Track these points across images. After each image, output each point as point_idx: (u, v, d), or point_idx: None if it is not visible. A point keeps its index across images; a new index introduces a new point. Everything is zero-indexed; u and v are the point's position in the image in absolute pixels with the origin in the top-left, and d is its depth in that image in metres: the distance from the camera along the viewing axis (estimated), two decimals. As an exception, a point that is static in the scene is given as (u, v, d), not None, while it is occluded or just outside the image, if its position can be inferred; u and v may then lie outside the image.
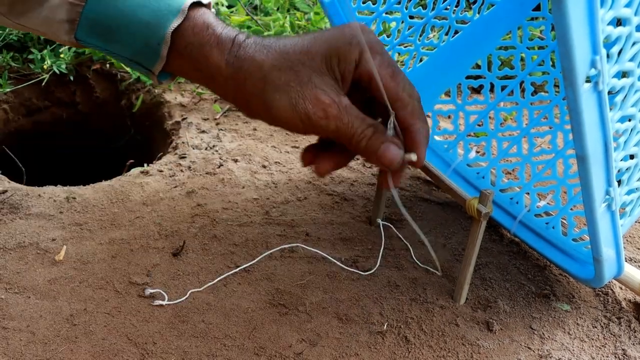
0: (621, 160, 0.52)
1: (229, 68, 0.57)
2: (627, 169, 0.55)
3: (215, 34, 0.58)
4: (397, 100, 0.56)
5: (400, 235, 0.74)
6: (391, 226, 0.76)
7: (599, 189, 0.49)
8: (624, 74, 0.46)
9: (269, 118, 0.58)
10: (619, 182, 0.54)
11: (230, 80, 0.58)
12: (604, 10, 0.40)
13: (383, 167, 0.56)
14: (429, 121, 0.89)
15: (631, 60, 0.45)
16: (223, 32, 0.58)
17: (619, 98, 0.47)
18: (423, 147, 0.56)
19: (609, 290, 0.69)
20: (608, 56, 0.42)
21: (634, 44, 0.44)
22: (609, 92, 0.44)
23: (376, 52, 0.56)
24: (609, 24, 0.41)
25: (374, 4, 0.76)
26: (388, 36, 0.80)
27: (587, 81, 0.41)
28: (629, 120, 0.50)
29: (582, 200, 0.50)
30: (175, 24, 0.57)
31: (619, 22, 0.43)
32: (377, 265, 0.70)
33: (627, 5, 0.42)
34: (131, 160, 0.92)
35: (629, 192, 0.58)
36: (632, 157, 0.56)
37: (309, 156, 0.61)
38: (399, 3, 0.76)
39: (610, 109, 0.45)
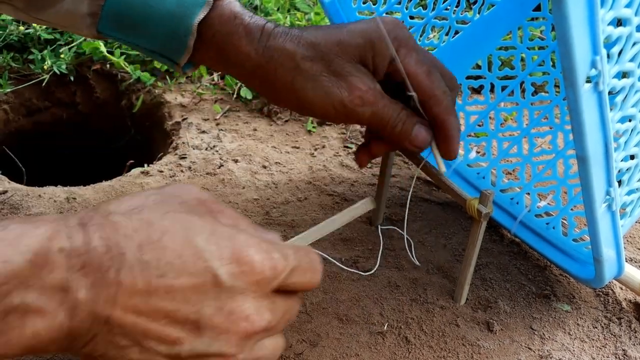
0: (621, 160, 0.52)
1: (259, 57, 0.57)
2: (627, 170, 0.55)
3: (244, 23, 0.57)
4: (432, 97, 0.57)
5: (401, 235, 0.74)
6: (391, 226, 0.76)
7: (599, 190, 0.49)
8: (624, 75, 0.46)
9: (299, 106, 0.58)
10: (620, 182, 0.54)
11: (259, 69, 0.58)
12: (605, 11, 0.40)
13: (413, 149, 0.58)
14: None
15: (631, 60, 0.45)
16: (251, 21, 0.58)
17: (619, 98, 0.47)
18: (456, 141, 0.58)
19: (610, 291, 0.69)
20: (608, 56, 0.42)
21: (634, 44, 0.44)
22: (609, 93, 0.44)
23: (411, 48, 0.56)
24: (609, 24, 0.41)
25: (374, 4, 0.76)
26: (388, 36, 0.80)
27: (588, 81, 0.41)
28: (629, 120, 0.50)
29: (583, 201, 0.50)
30: (201, 15, 0.57)
31: (619, 22, 0.43)
32: (377, 266, 0.70)
33: (628, 6, 0.42)
34: (131, 161, 0.92)
35: (629, 193, 0.58)
36: (632, 157, 0.56)
37: (365, 158, 0.63)
38: (399, 3, 0.76)
39: (611, 110, 0.45)
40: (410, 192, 0.77)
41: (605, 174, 0.49)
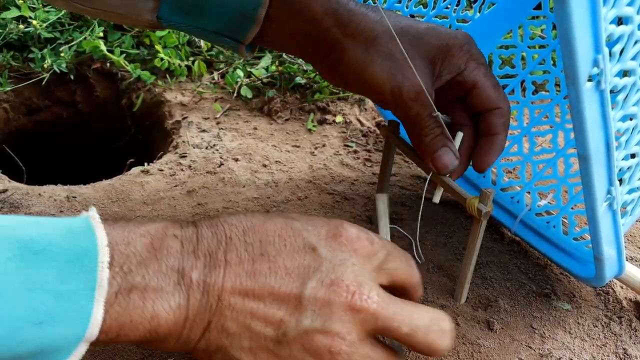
0: (622, 159, 0.52)
1: (339, 18, 0.57)
2: (628, 168, 0.55)
3: None
4: (497, 108, 0.58)
5: (401, 234, 0.74)
6: (392, 225, 0.76)
7: (600, 188, 0.49)
8: (625, 73, 0.46)
9: (356, 80, 0.58)
10: (620, 181, 0.54)
11: (330, 32, 0.57)
12: (607, 9, 0.40)
13: (432, 168, 0.59)
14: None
15: (633, 59, 0.45)
16: None
17: (620, 97, 0.47)
18: (496, 157, 0.60)
19: (610, 290, 0.69)
20: (610, 55, 0.42)
21: (636, 42, 0.44)
22: (611, 91, 0.44)
23: (481, 63, 0.58)
24: (611, 22, 0.41)
25: (374, 3, 0.76)
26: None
27: (589, 80, 0.41)
28: (631, 119, 0.50)
29: (583, 200, 0.50)
30: None
31: (621, 20, 0.43)
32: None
33: (630, 4, 0.42)
34: (131, 160, 0.92)
35: (630, 191, 0.58)
36: (633, 156, 0.55)
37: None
38: (400, 2, 0.76)
39: (612, 108, 0.45)
40: (423, 193, 0.77)
41: (606, 172, 0.49)
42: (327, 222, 0.45)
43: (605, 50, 0.41)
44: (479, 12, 0.78)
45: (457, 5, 0.77)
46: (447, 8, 0.76)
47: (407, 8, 0.76)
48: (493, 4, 0.77)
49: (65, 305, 0.36)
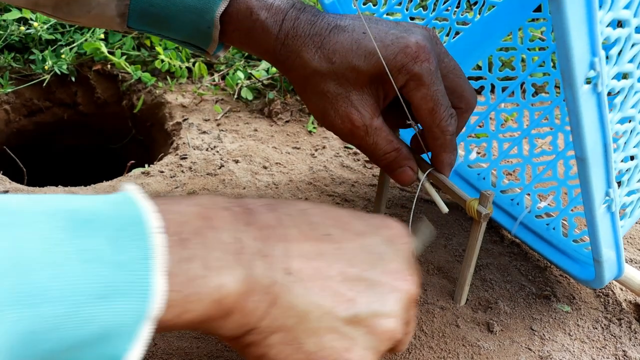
0: (621, 161, 0.52)
1: (277, 55, 0.59)
2: (627, 170, 0.55)
3: (260, 19, 0.58)
4: (430, 132, 0.59)
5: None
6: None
7: (598, 191, 0.49)
8: (623, 76, 0.46)
9: (307, 105, 0.61)
10: (619, 183, 0.54)
11: (278, 64, 0.60)
12: (603, 12, 0.40)
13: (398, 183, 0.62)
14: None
15: (631, 61, 0.45)
16: (268, 17, 0.58)
17: (618, 99, 0.47)
18: (447, 172, 0.61)
19: (610, 292, 0.69)
20: (607, 58, 0.42)
21: (633, 45, 0.44)
22: (609, 94, 0.44)
23: (423, 84, 0.56)
24: (608, 25, 0.41)
25: (374, 5, 0.76)
26: (389, 37, 0.80)
27: (587, 82, 0.42)
28: (629, 121, 0.50)
29: (582, 202, 0.50)
30: (221, 8, 0.58)
31: (618, 23, 0.43)
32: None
33: (627, 7, 0.42)
34: (132, 161, 0.92)
35: (629, 194, 0.58)
36: (632, 158, 0.56)
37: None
38: (400, 4, 0.76)
39: (610, 111, 0.45)
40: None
41: (604, 175, 0.49)
42: (373, 215, 0.48)
43: (602, 53, 0.41)
44: (479, 14, 0.78)
45: (457, 8, 0.77)
46: (447, 10, 0.77)
47: (406, 10, 0.76)
48: (493, 6, 0.77)
49: (125, 276, 0.33)
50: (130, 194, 0.37)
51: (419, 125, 0.60)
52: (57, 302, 0.31)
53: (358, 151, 0.91)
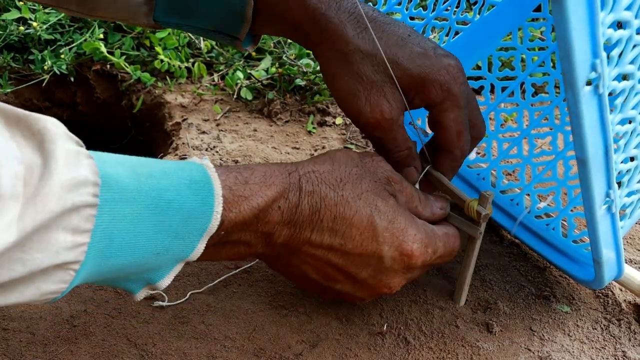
0: (621, 162, 0.52)
1: (314, 24, 0.57)
2: (627, 171, 0.55)
3: None
4: (449, 152, 0.61)
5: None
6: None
7: (599, 191, 0.49)
8: (624, 77, 0.46)
9: (329, 86, 0.61)
10: (619, 184, 0.54)
11: (309, 37, 0.59)
12: (605, 13, 0.40)
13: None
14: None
15: (632, 63, 0.45)
16: None
17: (619, 100, 0.47)
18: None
19: (609, 292, 0.69)
20: (608, 59, 0.42)
21: (634, 46, 0.44)
22: (609, 95, 0.44)
23: (458, 106, 0.58)
24: (609, 26, 0.41)
25: (374, 5, 0.76)
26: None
27: (588, 84, 0.42)
28: (630, 122, 0.50)
29: (582, 202, 0.50)
30: None
31: (619, 25, 0.43)
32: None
33: (628, 8, 0.42)
34: (131, 161, 0.92)
35: (629, 194, 0.58)
36: (632, 159, 0.56)
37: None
38: (400, 4, 0.76)
39: (611, 112, 0.45)
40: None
41: (605, 176, 0.49)
42: (404, 233, 0.55)
43: (603, 54, 0.41)
44: (479, 14, 0.78)
45: (456, 7, 0.77)
46: (446, 10, 0.76)
47: (406, 10, 0.76)
48: (493, 6, 0.77)
49: (179, 242, 0.46)
50: (207, 172, 0.48)
51: (422, 136, 0.61)
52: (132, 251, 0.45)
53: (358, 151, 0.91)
